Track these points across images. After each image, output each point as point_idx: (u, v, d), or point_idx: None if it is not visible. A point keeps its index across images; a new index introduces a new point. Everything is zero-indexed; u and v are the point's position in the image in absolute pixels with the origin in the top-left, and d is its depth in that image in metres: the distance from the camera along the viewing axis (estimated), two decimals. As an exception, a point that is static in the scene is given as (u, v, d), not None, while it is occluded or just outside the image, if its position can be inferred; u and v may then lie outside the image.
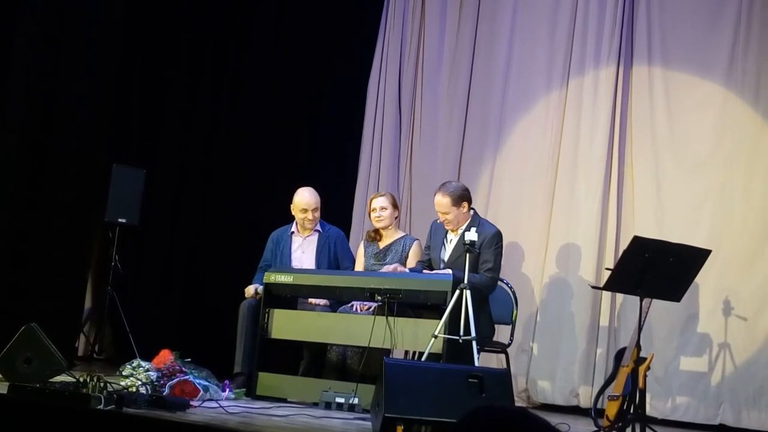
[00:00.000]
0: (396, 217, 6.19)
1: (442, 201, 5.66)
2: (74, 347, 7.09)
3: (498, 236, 5.64)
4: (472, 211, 5.76)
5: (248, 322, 5.91)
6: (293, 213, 6.23)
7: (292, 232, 6.27)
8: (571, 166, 6.69)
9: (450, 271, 5.43)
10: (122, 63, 7.45)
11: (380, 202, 6.13)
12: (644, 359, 4.95)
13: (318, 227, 6.26)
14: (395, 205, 6.17)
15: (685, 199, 6.38)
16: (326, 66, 7.65)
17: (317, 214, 6.20)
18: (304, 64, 7.67)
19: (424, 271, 5.72)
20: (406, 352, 6.02)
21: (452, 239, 5.76)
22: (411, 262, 6.01)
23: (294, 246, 6.25)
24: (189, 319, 7.57)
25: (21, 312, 5.93)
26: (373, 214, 6.14)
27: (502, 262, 6.68)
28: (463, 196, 5.68)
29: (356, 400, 5.21)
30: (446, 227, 5.75)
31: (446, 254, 5.73)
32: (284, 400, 5.55)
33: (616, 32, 6.64)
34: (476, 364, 5.07)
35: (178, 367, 5.05)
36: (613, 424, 4.91)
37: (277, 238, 6.29)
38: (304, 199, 6.18)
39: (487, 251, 5.58)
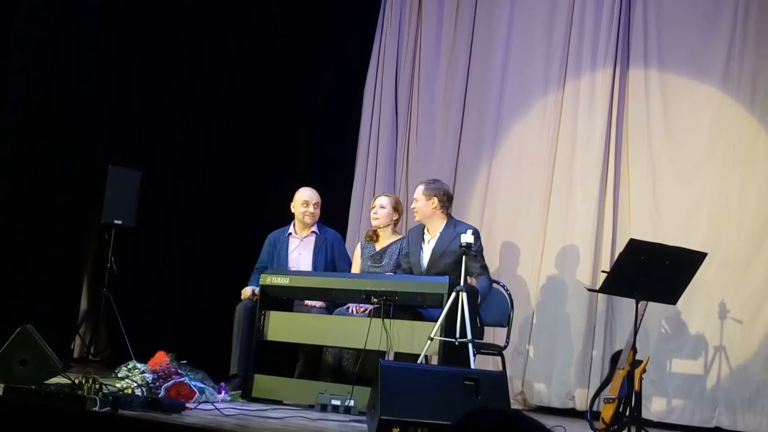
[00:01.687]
0: (395, 221, 6.19)
1: (417, 187, 5.89)
2: (70, 349, 7.09)
3: (476, 233, 5.66)
4: (446, 216, 5.82)
5: (244, 324, 5.90)
6: (293, 210, 6.24)
7: (290, 234, 6.27)
8: (567, 169, 6.69)
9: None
10: (119, 65, 7.46)
11: (381, 200, 6.16)
12: (640, 362, 4.95)
13: (315, 229, 6.26)
14: (396, 208, 6.17)
15: (681, 202, 6.38)
16: (323, 67, 7.66)
17: (317, 211, 6.20)
18: (300, 66, 7.67)
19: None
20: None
21: (429, 240, 5.81)
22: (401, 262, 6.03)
23: (291, 247, 6.25)
24: (185, 320, 7.56)
25: (16, 313, 5.93)
26: (371, 211, 6.16)
27: (498, 265, 6.73)
28: (438, 193, 5.79)
29: (352, 403, 5.20)
30: (414, 216, 5.89)
31: (425, 256, 5.79)
32: (280, 403, 5.55)
33: (612, 35, 6.64)
34: (472, 366, 5.07)
35: (173, 369, 5.04)
36: (608, 427, 4.91)
37: (274, 240, 6.29)
38: (306, 193, 6.21)
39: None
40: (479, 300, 5.57)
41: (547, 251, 6.67)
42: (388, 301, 5.38)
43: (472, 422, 2.01)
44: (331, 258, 6.21)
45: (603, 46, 6.65)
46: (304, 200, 6.19)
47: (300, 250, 6.24)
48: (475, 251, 5.51)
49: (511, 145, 7.01)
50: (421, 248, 5.83)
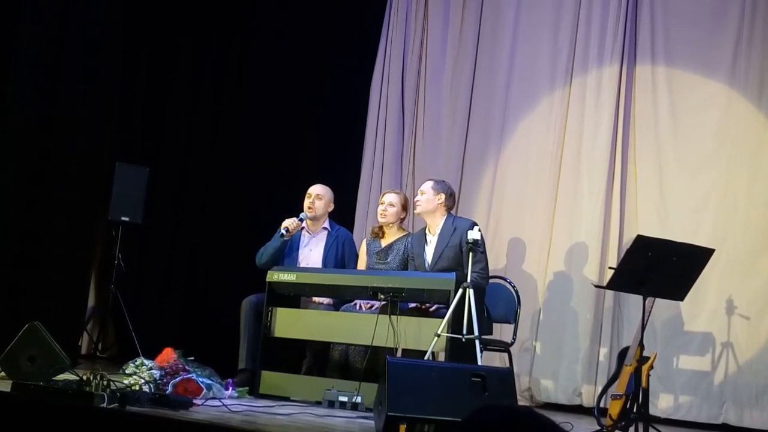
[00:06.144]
0: (402, 219, 6.19)
1: (426, 182, 5.94)
2: (77, 345, 7.10)
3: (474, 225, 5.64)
4: (447, 213, 5.85)
5: (250, 320, 5.93)
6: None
7: (302, 228, 6.26)
8: (574, 165, 6.69)
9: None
10: (125, 62, 7.47)
11: (390, 197, 6.15)
12: (647, 358, 4.94)
13: (327, 225, 6.27)
14: (404, 206, 6.17)
15: (688, 198, 6.38)
16: (329, 65, 7.65)
17: (319, 204, 6.18)
18: (306, 64, 7.67)
19: None
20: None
21: (431, 240, 5.83)
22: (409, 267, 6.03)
23: (303, 242, 6.25)
24: (192, 317, 7.57)
25: (24, 310, 5.93)
26: (380, 207, 6.16)
27: (505, 262, 6.73)
28: (446, 191, 5.86)
29: (359, 399, 5.21)
30: (415, 208, 5.93)
31: (428, 255, 5.81)
32: (287, 399, 5.56)
33: (619, 31, 6.63)
34: (479, 362, 5.07)
35: (181, 366, 5.05)
36: (616, 424, 4.90)
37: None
38: (313, 186, 6.24)
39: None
40: None
41: (554, 248, 6.67)
42: (395, 297, 5.39)
43: (482, 419, 2.01)
44: (341, 256, 6.21)
45: (610, 43, 6.64)
46: (308, 192, 6.21)
47: (311, 247, 6.24)
48: (482, 249, 5.52)
49: (517, 142, 7.00)
50: (424, 249, 5.84)
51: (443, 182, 5.98)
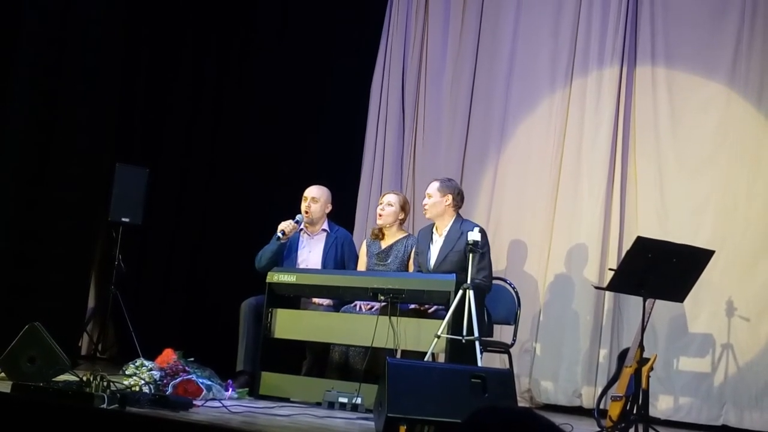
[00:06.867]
0: (401, 220, 6.17)
1: (432, 184, 5.87)
2: (77, 346, 7.11)
3: (482, 231, 5.60)
4: (455, 214, 5.81)
5: (250, 321, 5.92)
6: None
7: (301, 229, 6.26)
8: (574, 166, 6.69)
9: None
10: (126, 62, 7.47)
11: (389, 197, 6.13)
12: (647, 360, 4.95)
13: (326, 227, 6.26)
14: (403, 207, 6.14)
15: (688, 200, 6.38)
16: (329, 66, 7.65)
17: (316, 207, 6.17)
18: (307, 64, 7.67)
19: None
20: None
21: (437, 240, 5.80)
22: (413, 262, 6.02)
23: (301, 244, 6.25)
24: (192, 318, 7.58)
25: (24, 310, 5.94)
26: (378, 207, 6.15)
27: (505, 263, 6.73)
28: (453, 192, 5.80)
29: (359, 400, 5.21)
30: (424, 212, 5.86)
31: (432, 255, 5.79)
32: (287, 400, 5.56)
33: (619, 32, 6.63)
34: (479, 364, 5.07)
35: (181, 367, 5.05)
36: (616, 425, 4.91)
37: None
38: (308, 188, 6.23)
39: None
40: None
41: (554, 249, 6.67)
42: (395, 298, 5.39)
43: (482, 420, 2.01)
44: (340, 257, 6.20)
45: (610, 44, 6.65)
46: (305, 195, 6.20)
47: (310, 248, 6.23)
48: (481, 250, 5.50)
49: (517, 143, 7.00)
50: (429, 248, 5.83)
51: (450, 181, 5.93)
